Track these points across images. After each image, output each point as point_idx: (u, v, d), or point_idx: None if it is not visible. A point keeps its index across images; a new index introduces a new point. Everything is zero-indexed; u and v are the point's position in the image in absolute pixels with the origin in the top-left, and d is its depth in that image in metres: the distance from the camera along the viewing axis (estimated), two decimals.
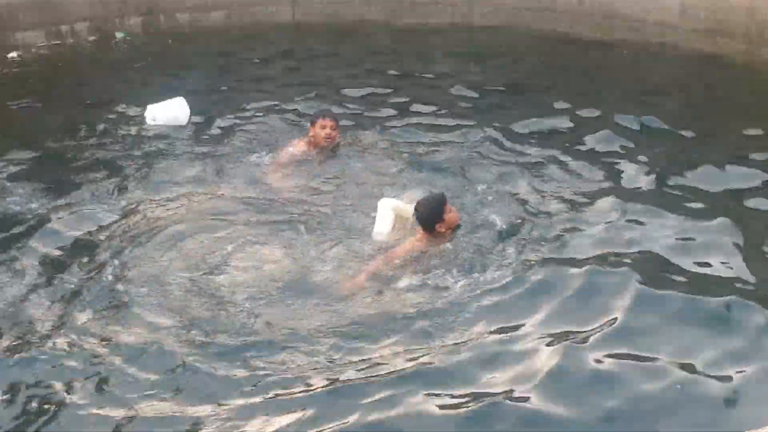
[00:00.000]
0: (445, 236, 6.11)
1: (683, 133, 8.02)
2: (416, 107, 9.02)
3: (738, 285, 5.48)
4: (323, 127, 7.55)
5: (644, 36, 10.17)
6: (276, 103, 9.17)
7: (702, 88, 9.05)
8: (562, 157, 7.59)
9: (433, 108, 8.97)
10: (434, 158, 7.67)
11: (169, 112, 8.57)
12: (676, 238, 6.08)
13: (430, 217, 6.08)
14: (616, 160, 7.53)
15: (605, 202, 6.67)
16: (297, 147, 7.68)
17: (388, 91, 9.50)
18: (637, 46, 10.12)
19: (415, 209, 6.17)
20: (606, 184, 7.10)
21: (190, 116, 8.62)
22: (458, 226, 6.23)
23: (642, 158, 7.52)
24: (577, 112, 8.59)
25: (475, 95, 9.25)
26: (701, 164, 7.26)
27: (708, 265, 5.74)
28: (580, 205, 6.70)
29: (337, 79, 9.84)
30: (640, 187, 6.96)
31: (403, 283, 5.77)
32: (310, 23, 11.46)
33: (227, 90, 9.67)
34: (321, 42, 11.06)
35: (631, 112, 8.42)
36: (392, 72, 10.08)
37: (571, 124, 8.39)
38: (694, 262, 5.77)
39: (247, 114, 8.91)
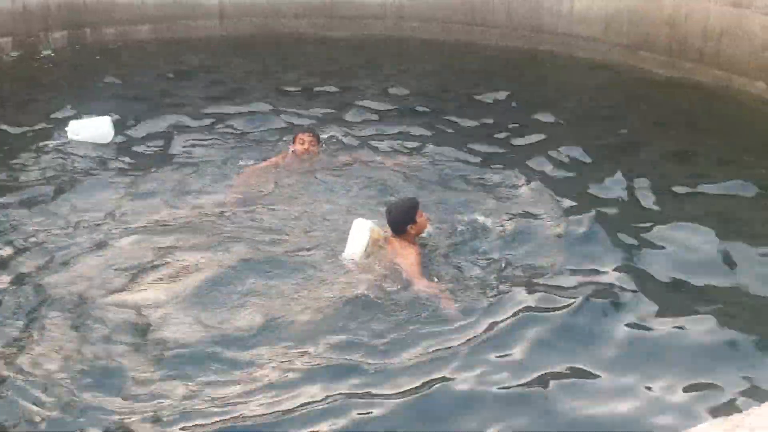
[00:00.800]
0: (412, 239, 6.15)
1: (606, 143, 8.23)
2: (350, 117, 9.09)
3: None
4: (302, 142, 7.75)
5: (570, 49, 10.43)
6: (201, 117, 9.12)
7: (624, 100, 9.30)
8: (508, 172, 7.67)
9: (365, 118, 9.04)
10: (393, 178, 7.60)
11: (92, 128, 8.36)
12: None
13: (404, 218, 6.13)
14: (544, 170, 7.67)
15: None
16: (270, 160, 7.84)
17: (320, 102, 9.56)
18: (564, 60, 10.37)
19: (387, 211, 6.19)
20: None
21: (114, 133, 8.44)
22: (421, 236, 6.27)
23: (558, 165, 7.74)
24: (508, 125, 8.76)
25: (413, 106, 9.34)
26: (627, 175, 7.44)
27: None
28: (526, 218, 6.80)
29: (269, 91, 9.83)
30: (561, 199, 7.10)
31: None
32: (239, 36, 11.42)
33: (154, 105, 9.53)
34: (249, 55, 11.03)
35: (553, 122, 8.67)
36: (326, 84, 10.11)
37: (499, 133, 8.58)
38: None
39: (174, 129, 8.81)
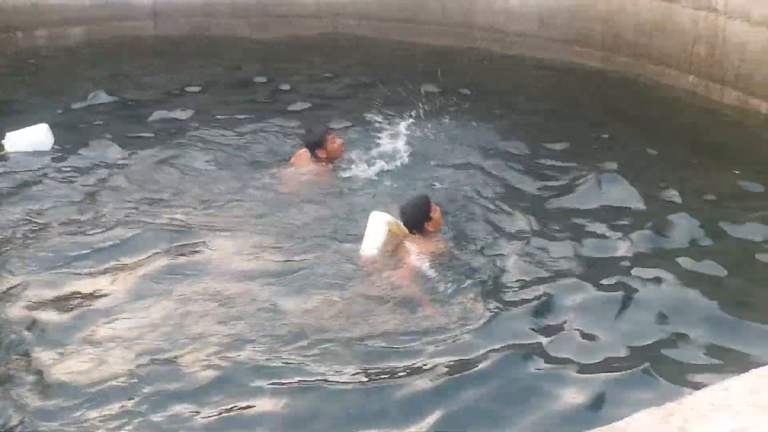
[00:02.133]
0: (431, 236, 6.19)
1: (539, 140, 8.27)
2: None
3: None
4: (334, 141, 7.59)
5: (506, 45, 10.49)
6: (140, 120, 8.99)
7: (560, 95, 9.37)
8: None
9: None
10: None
11: (29, 138, 8.11)
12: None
13: (419, 217, 6.17)
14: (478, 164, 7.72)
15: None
16: (306, 164, 7.62)
17: (261, 100, 9.53)
18: (500, 56, 10.41)
19: (402, 212, 6.21)
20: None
21: (53, 142, 8.21)
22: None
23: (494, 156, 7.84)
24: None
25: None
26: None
27: None
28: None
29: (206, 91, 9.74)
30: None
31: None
32: (172, 37, 11.25)
33: (90, 110, 9.33)
34: (182, 55, 10.89)
35: (490, 117, 8.69)
36: (259, 79, 10.12)
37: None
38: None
39: (113, 131, 8.63)
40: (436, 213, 6.24)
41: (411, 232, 6.16)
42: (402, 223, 6.14)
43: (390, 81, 9.26)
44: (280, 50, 11.06)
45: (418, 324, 5.34)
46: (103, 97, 9.58)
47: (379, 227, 6.02)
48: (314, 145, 7.57)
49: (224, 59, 10.76)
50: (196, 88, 9.87)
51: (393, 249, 6.04)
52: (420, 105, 8.28)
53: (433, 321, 5.36)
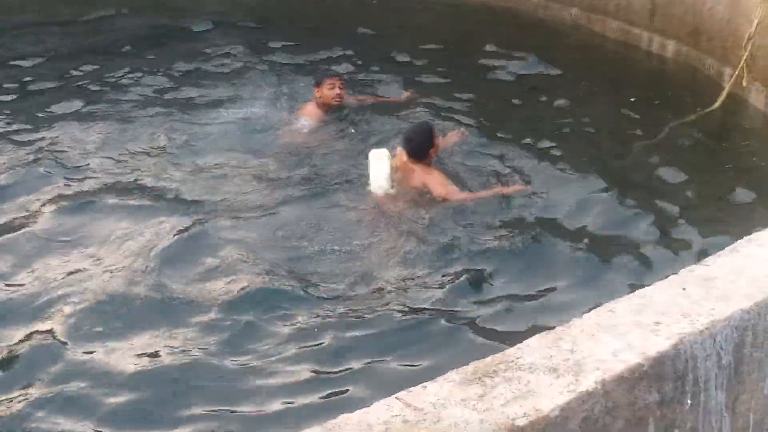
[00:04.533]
0: (431, 162, 6.26)
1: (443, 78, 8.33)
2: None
3: None
4: (331, 87, 7.35)
5: None
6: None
7: (447, 32, 9.36)
8: None
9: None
10: None
11: None
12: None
13: (425, 143, 6.22)
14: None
15: None
16: (310, 113, 7.39)
17: None
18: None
19: (408, 139, 6.26)
20: None
21: None
22: None
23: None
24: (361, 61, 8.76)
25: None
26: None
27: None
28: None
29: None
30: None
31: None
32: None
33: None
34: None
35: (387, 59, 8.70)
36: None
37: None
38: None
39: None
40: (438, 139, 6.35)
41: (414, 159, 6.22)
42: (406, 151, 6.22)
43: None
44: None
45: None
46: None
47: (381, 163, 6.14)
48: (314, 84, 7.46)
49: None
50: None
51: (399, 179, 6.17)
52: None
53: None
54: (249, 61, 8.77)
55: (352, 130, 7.22)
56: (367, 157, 6.27)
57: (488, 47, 8.85)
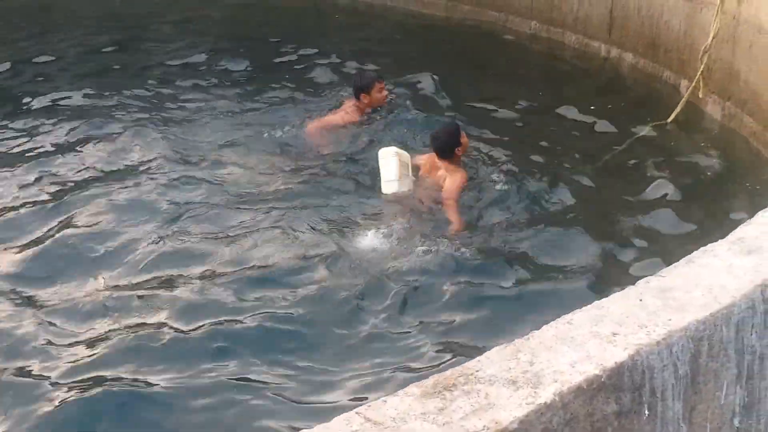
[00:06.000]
0: (458, 161, 6.44)
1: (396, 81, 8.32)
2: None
3: None
4: (381, 90, 7.47)
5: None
6: None
7: (404, 44, 9.43)
8: None
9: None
10: None
11: None
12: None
13: (452, 142, 6.38)
14: None
15: None
16: (348, 113, 7.46)
17: None
18: (347, 7, 10.41)
19: (435, 138, 6.44)
20: None
21: None
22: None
23: None
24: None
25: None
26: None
27: None
28: None
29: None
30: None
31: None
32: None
33: None
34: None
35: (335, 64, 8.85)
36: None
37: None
38: None
39: None
40: (464, 138, 6.48)
41: (442, 157, 6.38)
42: (434, 149, 6.40)
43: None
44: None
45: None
46: None
47: (388, 160, 6.21)
48: (360, 89, 7.44)
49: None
50: None
51: (411, 175, 6.31)
52: None
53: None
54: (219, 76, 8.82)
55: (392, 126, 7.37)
56: (377, 157, 6.38)
57: (450, 59, 8.91)
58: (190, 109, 8.06)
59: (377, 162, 6.33)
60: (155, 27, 10.15)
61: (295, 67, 8.91)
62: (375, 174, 6.42)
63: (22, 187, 6.74)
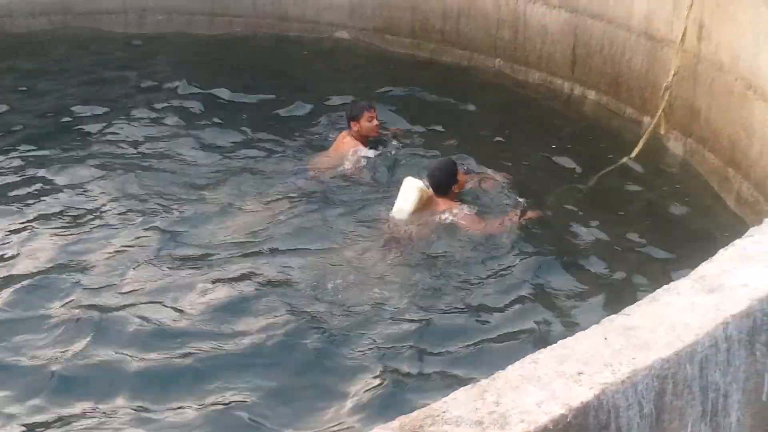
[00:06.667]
0: (455, 197, 6.53)
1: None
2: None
3: None
4: (370, 119, 7.42)
5: (319, 35, 10.51)
6: None
7: (376, 81, 9.45)
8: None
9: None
10: None
11: None
12: None
13: (448, 180, 6.50)
14: None
15: None
16: (349, 145, 7.44)
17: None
18: (313, 46, 10.43)
19: (431, 175, 6.51)
20: None
21: None
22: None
23: None
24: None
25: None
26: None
27: None
28: None
29: None
30: None
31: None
32: None
33: None
34: None
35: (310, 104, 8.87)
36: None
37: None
38: None
39: None
40: (461, 176, 6.57)
41: (438, 194, 6.45)
42: (430, 187, 6.47)
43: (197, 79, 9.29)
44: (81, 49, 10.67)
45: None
46: None
47: (411, 192, 6.30)
48: (350, 117, 7.49)
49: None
50: None
51: (421, 211, 6.38)
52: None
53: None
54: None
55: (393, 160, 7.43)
56: (401, 182, 6.49)
57: (416, 95, 8.98)
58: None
59: (400, 185, 6.47)
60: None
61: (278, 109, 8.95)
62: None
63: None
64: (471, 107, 8.70)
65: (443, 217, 6.35)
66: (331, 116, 8.36)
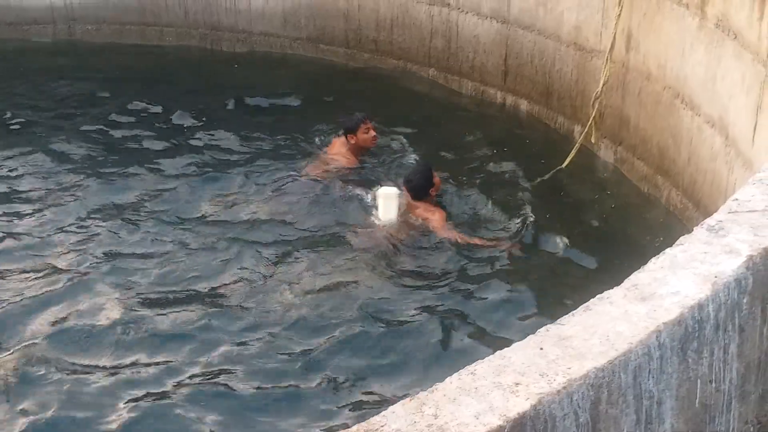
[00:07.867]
0: (433, 201, 6.70)
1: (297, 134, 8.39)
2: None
3: None
4: (367, 131, 7.45)
5: (252, 46, 10.47)
6: None
7: (311, 90, 9.49)
8: None
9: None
10: None
11: None
12: None
13: (425, 184, 6.67)
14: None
15: None
16: (343, 156, 7.45)
17: None
18: (247, 56, 10.38)
19: (408, 180, 6.72)
20: None
21: None
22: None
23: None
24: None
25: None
26: None
27: None
28: None
29: None
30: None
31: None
32: None
33: None
34: None
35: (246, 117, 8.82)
36: None
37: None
38: None
39: None
40: (436, 179, 6.70)
41: (416, 199, 6.58)
42: (408, 191, 6.67)
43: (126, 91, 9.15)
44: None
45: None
46: None
47: (392, 200, 6.44)
48: (347, 130, 7.49)
49: None
50: None
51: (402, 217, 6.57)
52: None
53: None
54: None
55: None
56: (374, 194, 6.66)
57: (351, 104, 8.96)
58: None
59: (376, 198, 6.59)
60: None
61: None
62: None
63: None
64: (403, 116, 8.70)
65: (418, 223, 6.53)
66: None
